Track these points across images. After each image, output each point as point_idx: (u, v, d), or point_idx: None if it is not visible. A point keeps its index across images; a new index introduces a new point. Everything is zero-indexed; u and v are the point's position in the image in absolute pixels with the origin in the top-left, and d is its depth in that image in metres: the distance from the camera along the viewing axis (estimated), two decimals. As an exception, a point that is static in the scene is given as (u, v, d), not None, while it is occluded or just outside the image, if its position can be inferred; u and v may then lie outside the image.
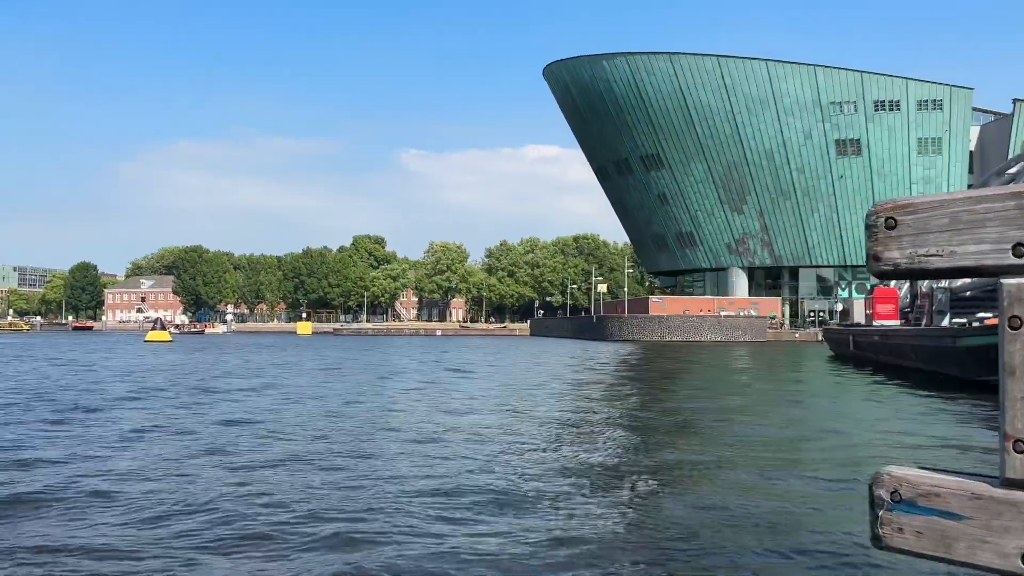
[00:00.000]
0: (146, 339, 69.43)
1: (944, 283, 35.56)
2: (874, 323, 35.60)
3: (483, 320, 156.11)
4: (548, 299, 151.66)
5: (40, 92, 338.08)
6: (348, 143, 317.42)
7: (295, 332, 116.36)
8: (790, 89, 78.91)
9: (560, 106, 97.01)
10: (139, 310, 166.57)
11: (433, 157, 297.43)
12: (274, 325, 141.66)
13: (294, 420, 13.95)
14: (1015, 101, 78.06)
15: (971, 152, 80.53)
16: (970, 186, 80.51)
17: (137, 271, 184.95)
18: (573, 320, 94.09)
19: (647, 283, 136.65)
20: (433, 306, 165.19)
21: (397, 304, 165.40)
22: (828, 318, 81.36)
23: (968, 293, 35.00)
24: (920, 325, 33.73)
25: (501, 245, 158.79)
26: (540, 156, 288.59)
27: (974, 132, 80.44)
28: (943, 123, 77.74)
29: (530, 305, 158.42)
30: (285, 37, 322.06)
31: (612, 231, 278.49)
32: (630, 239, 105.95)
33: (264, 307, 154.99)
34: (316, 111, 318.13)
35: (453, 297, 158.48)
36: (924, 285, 35.69)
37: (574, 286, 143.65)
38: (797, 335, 76.32)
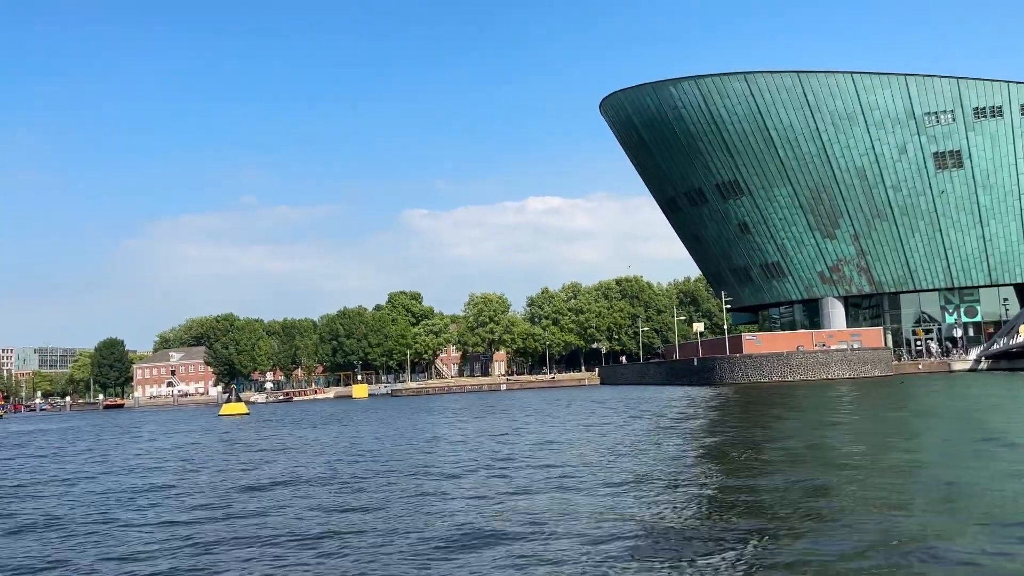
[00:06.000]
0: (220, 413, 63.25)
1: None
2: None
3: (527, 372, 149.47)
4: (593, 345, 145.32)
5: (38, 178, 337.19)
6: (353, 207, 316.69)
7: (351, 396, 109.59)
8: (880, 102, 73.60)
9: (620, 140, 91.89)
10: (170, 384, 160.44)
11: (437, 215, 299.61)
12: (336, 390, 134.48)
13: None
14: None
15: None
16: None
17: (165, 344, 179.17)
18: (663, 365, 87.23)
19: (690, 321, 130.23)
20: (476, 360, 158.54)
21: (438, 361, 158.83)
22: (949, 346, 74.82)
23: None
24: None
25: (543, 293, 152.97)
26: (544, 208, 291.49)
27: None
28: (1053, 127, 72.21)
29: (575, 353, 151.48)
30: (279, 107, 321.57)
31: (651, 273, 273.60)
32: (704, 273, 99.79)
33: (301, 373, 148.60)
34: (322, 178, 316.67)
35: (497, 349, 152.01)
36: None
37: (641, 332, 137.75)
38: (920, 366, 69.63)
